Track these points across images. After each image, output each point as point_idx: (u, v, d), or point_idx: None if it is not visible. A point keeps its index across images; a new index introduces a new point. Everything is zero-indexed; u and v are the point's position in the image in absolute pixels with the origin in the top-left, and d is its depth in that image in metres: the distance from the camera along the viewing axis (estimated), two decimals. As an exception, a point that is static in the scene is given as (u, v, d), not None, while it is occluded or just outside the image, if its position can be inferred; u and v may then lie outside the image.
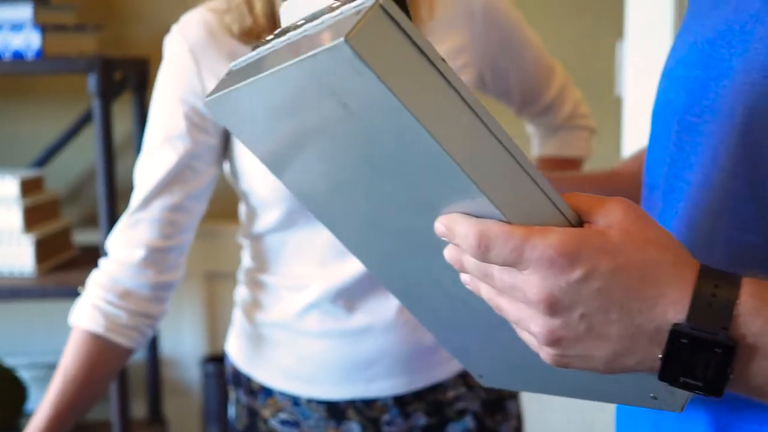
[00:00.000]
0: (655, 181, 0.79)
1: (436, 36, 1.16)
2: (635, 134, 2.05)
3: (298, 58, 0.52)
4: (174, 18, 1.18)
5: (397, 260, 0.70)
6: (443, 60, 0.51)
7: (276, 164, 0.70)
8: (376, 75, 0.49)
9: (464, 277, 0.61)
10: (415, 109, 0.50)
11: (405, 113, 0.50)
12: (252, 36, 1.13)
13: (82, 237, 2.28)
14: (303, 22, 0.58)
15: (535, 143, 1.44)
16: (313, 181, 0.68)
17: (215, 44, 1.13)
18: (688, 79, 0.74)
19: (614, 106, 2.18)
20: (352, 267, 1.17)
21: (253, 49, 0.64)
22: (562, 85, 1.34)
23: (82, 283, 1.92)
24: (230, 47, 1.14)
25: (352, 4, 0.52)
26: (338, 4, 0.54)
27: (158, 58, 1.19)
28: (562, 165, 1.39)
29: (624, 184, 0.93)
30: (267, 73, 0.56)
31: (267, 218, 1.18)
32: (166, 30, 1.18)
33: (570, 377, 0.66)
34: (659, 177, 0.77)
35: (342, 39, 0.48)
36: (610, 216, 0.56)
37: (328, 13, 0.54)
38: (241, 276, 1.29)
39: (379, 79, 0.49)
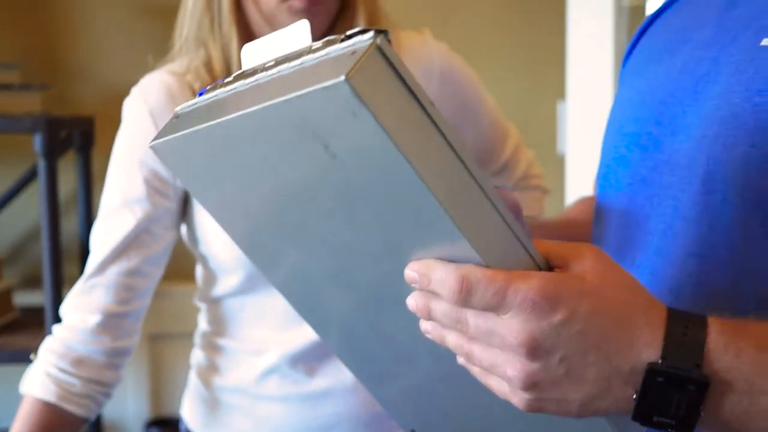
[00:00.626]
0: (605, 231, 0.81)
1: None
2: (578, 191, 2.10)
3: (285, 97, 0.51)
4: (119, 77, 1.18)
5: (345, 313, 0.69)
6: (432, 104, 0.52)
7: (227, 215, 0.67)
8: (373, 116, 0.48)
9: (426, 326, 0.60)
10: (407, 151, 0.50)
11: (396, 155, 0.50)
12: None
13: (23, 299, 2.22)
14: (273, 63, 0.56)
15: (488, 203, 1.45)
16: (269, 231, 0.66)
17: (175, 106, 1.13)
18: (640, 135, 0.77)
19: (557, 165, 2.23)
20: (313, 331, 1.16)
21: (204, 93, 0.62)
22: (516, 146, 1.36)
23: (24, 346, 1.86)
24: None
25: (342, 45, 0.51)
26: (319, 45, 0.53)
27: (103, 117, 1.19)
28: None
29: (584, 228, 0.95)
30: (241, 113, 0.54)
31: (226, 282, 1.17)
32: (112, 89, 1.17)
33: (521, 424, 0.66)
34: (610, 228, 0.80)
35: (342, 77, 0.47)
36: (584, 262, 0.58)
37: (307, 54, 0.53)
38: (197, 339, 1.27)
39: (375, 119, 0.48)
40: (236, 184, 0.62)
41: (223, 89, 0.60)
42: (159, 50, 1.20)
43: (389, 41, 0.50)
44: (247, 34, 1.14)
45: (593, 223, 0.85)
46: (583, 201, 1.06)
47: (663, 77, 0.78)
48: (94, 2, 2.26)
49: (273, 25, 1.13)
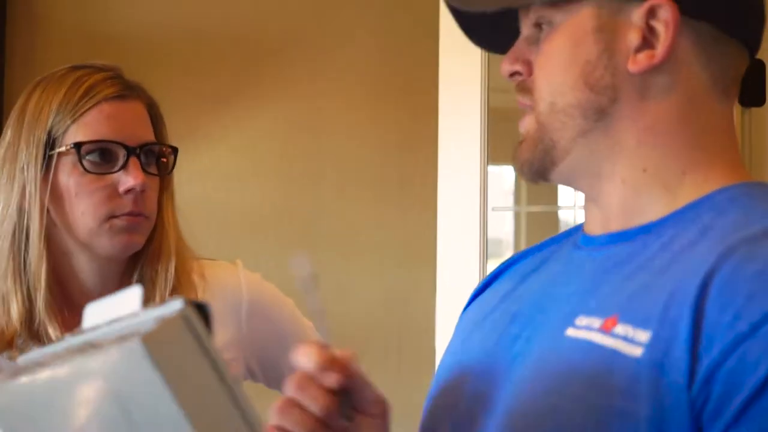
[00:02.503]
0: None
1: None
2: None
3: (88, 354, 0.55)
4: None
5: None
6: (237, 380, 0.54)
7: None
8: (163, 377, 0.51)
9: None
10: (194, 419, 0.52)
11: (183, 422, 0.52)
12: (1, 341, 1.09)
13: None
14: (104, 325, 0.60)
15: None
16: None
17: None
18: (455, 408, 0.75)
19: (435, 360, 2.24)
20: None
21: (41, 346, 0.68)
22: None
23: None
24: None
25: (156, 311, 0.55)
26: (143, 310, 0.57)
27: None
28: None
29: None
30: (49, 370, 0.58)
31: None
32: None
33: None
34: None
35: (137, 339, 0.51)
36: None
37: (131, 318, 0.57)
38: None
39: (164, 381, 0.51)
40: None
41: (56, 345, 0.64)
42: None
43: (206, 312, 0.55)
44: (56, 273, 1.12)
45: None
46: None
47: (479, 348, 0.77)
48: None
49: (91, 248, 1.13)
